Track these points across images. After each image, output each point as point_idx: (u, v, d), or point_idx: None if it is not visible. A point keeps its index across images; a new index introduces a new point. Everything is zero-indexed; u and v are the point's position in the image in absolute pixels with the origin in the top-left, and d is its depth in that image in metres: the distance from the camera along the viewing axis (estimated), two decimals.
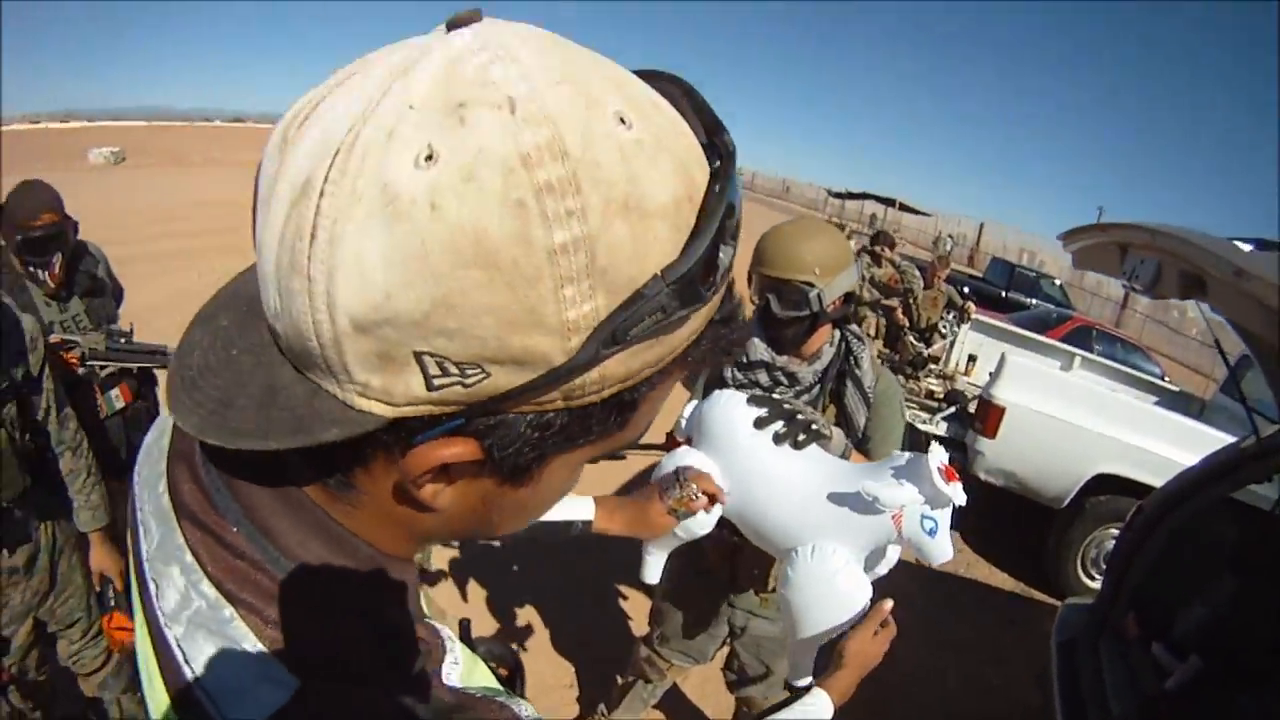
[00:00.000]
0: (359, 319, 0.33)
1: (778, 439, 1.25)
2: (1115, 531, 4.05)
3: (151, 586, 0.45)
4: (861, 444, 1.71)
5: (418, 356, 0.34)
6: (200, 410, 0.39)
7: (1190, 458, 2.85)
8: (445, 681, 0.47)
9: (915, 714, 3.29)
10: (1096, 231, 2.39)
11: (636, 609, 3.38)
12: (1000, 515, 4.91)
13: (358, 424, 0.37)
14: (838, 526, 1.18)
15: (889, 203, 23.36)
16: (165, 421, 0.53)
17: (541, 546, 3.48)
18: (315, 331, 0.34)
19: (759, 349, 1.74)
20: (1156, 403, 5.57)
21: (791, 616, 1.22)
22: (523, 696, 0.55)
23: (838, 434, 1.47)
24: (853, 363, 1.75)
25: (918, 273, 6.30)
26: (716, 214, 0.36)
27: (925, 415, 4.77)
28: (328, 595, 0.44)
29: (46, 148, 21.56)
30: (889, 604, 1.15)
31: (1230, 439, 2.80)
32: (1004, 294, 12.10)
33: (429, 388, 0.35)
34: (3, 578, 1.84)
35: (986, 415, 4.20)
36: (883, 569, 1.29)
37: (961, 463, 4.42)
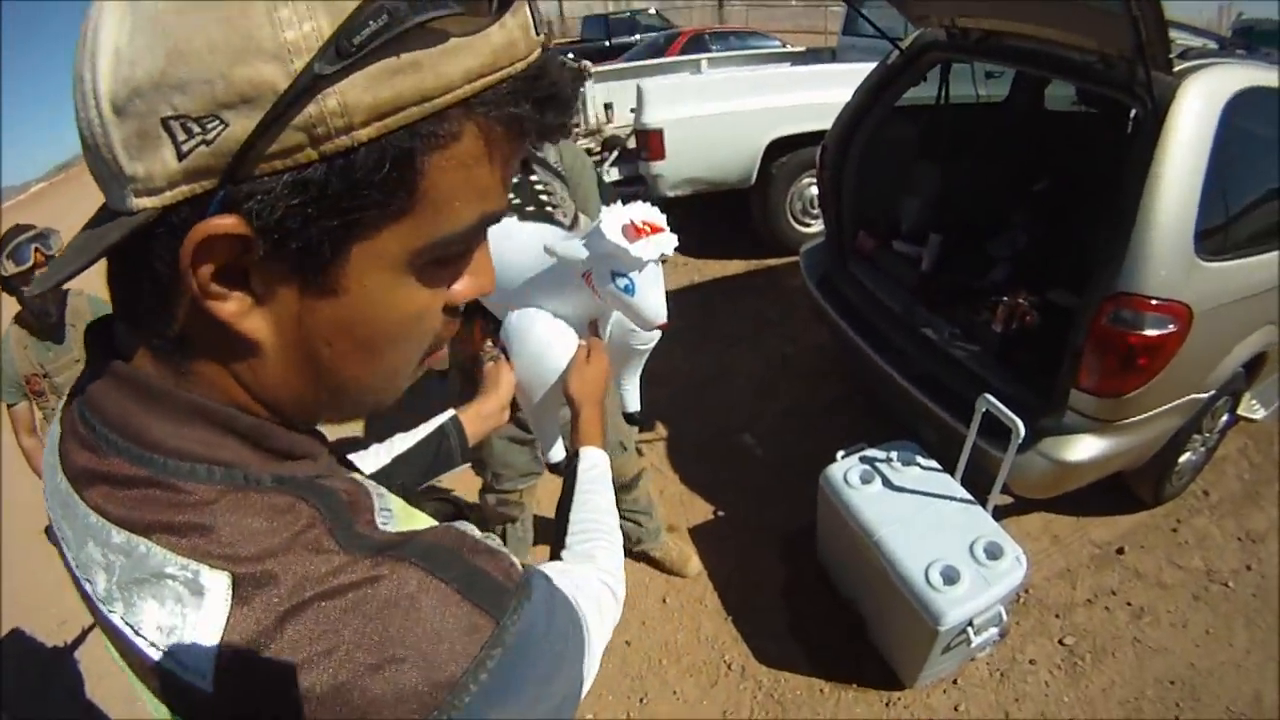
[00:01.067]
0: (116, 99, 0.35)
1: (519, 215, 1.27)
2: (808, 181, 4.53)
3: (87, 587, 0.45)
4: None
5: (165, 124, 0.35)
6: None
7: (843, 95, 3.06)
8: (381, 528, 0.46)
9: (735, 399, 3.55)
10: None
11: None
12: (704, 219, 5.25)
13: (130, 223, 0.37)
14: (540, 293, 1.17)
15: None
16: (54, 426, 0.51)
17: None
18: (91, 131, 0.36)
19: None
20: (792, 64, 6.09)
21: (519, 391, 1.20)
22: None
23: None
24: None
25: None
26: None
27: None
28: (226, 474, 0.43)
29: None
30: (588, 340, 1.15)
31: (869, 67, 3.01)
32: (608, 44, 12.24)
33: (179, 156, 0.35)
34: None
35: (648, 142, 4.38)
36: (636, 344, 1.28)
37: (645, 193, 4.64)
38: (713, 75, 5.05)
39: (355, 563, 0.42)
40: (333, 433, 0.57)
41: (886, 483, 2.04)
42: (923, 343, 2.50)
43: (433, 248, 0.43)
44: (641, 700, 2.35)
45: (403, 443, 1.10)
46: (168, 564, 0.41)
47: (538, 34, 0.42)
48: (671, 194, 4.57)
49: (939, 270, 2.87)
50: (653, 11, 14.57)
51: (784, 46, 7.94)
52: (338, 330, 0.43)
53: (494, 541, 0.50)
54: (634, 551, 2.76)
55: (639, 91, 4.37)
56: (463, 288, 0.49)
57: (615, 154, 4.90)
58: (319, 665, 0.38)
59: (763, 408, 3.50)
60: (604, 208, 1.04)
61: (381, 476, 0.96)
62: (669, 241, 1.02)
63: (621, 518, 2.45)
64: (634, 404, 1.45)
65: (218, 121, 0.34)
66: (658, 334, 1.23)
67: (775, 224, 4.80)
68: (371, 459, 1.07)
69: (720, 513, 2.98)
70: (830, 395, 3.45)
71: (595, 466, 0.98)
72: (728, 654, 2.43)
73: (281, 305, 0.41)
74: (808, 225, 4.90)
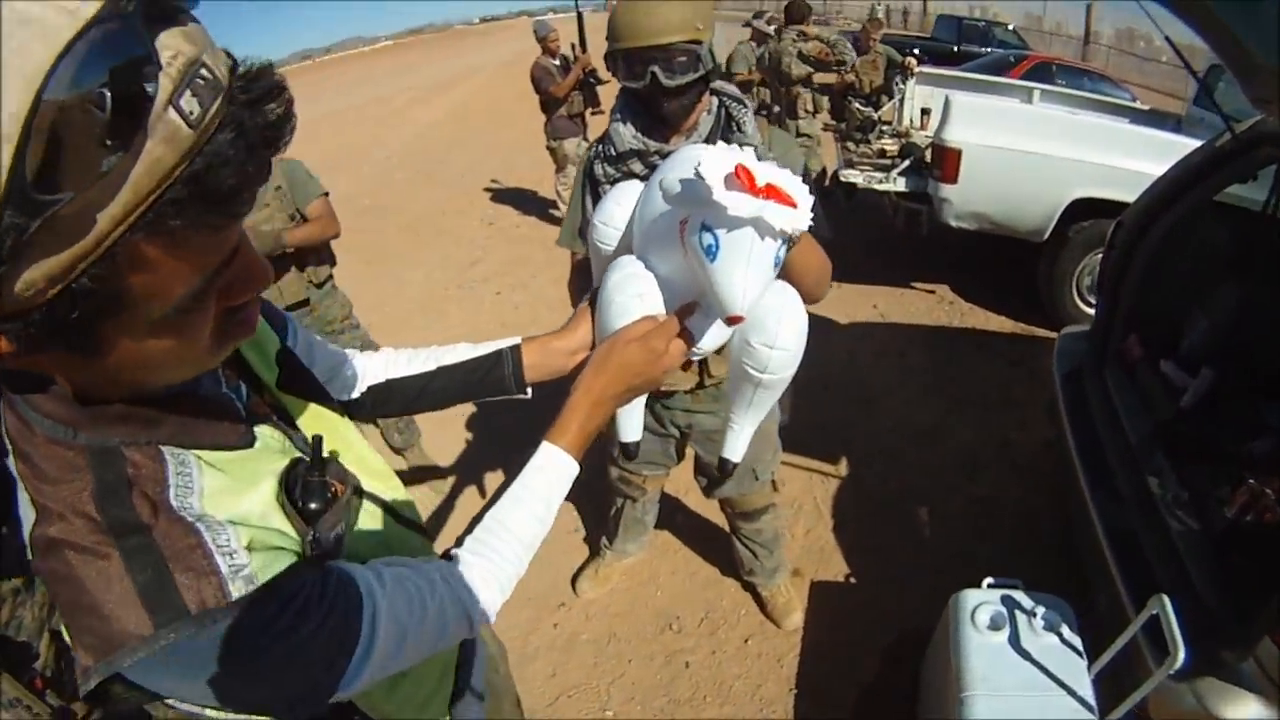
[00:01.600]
0: None
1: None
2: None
3: None
4: None
5: None
6: None
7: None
8: (171, 502, 0.60)
9: (935, 466, 3.18)
10: None
11: None
12: (985, 260, 4.71)
13: None
14: (645, 238, 0.99)
15: None
16: None
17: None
18: None
19: (624, 137, 1.56)
20: (1130, 122, 5.22)
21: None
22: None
23: None
24: (735, 128, 1.58)
25: (849, 43, 5.98)
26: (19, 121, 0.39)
27: (880, 175, 4.53)
28: (52, 427, 0.60)
29: None
30: (670, 320, 0.93)
31: None
32: (955, 49, 11.51)
33: None
34: (8, 601, 1.82)
35: (943, 160, 3.97)
36: (750, 365, 1.00)
37: (928, 215, 4.29)
38: (1037, 109, 4.45)
39: (93, 530, 0.57)
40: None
41: (1014, 639, 1.69)
42: (1142, 493, 2.02)
43: (166, 315, 0.53)
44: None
45: (454, 355, 1.06)
46: (28, 510, 0.60)
47: (201, 122, 0.46)
48: (955, 224, 4.15)
49: (1198, 413, 2.30)
50: (1011, 28, 13.37)
51: (1133, 101, 6.82)
52: (115, 369, 0.56)
53: (228, 563, 0.60)
54: (743, 579, 2.62)
55: (946, 103, 3.98)
56: (235, 294, 0.59)
57: (907, 163, 4.55)
58: (52, 590, 0.59)
59: (958, 487, 3.07)
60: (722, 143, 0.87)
61: (422, 379, 1.05)
62: (787, 216, 0.76)
63: (740, 543, 2.33)
64: (634, 433, 1.12)
65: None
66: (782, 370, 0.99)
67: (1058, 293, 4.14)
68: (419, 362, 1.06)
69: (853, 580, 2.71)
70: (1033, 503, 2.95)
71: (542, 471, 0.87)
72: None
73: (60, 361, 0.53)
74: (1091, 306, 4.20)
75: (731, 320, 0.82)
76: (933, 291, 4.69)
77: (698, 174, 0.76)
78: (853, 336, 4.29)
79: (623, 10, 1.51)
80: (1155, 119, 5.54)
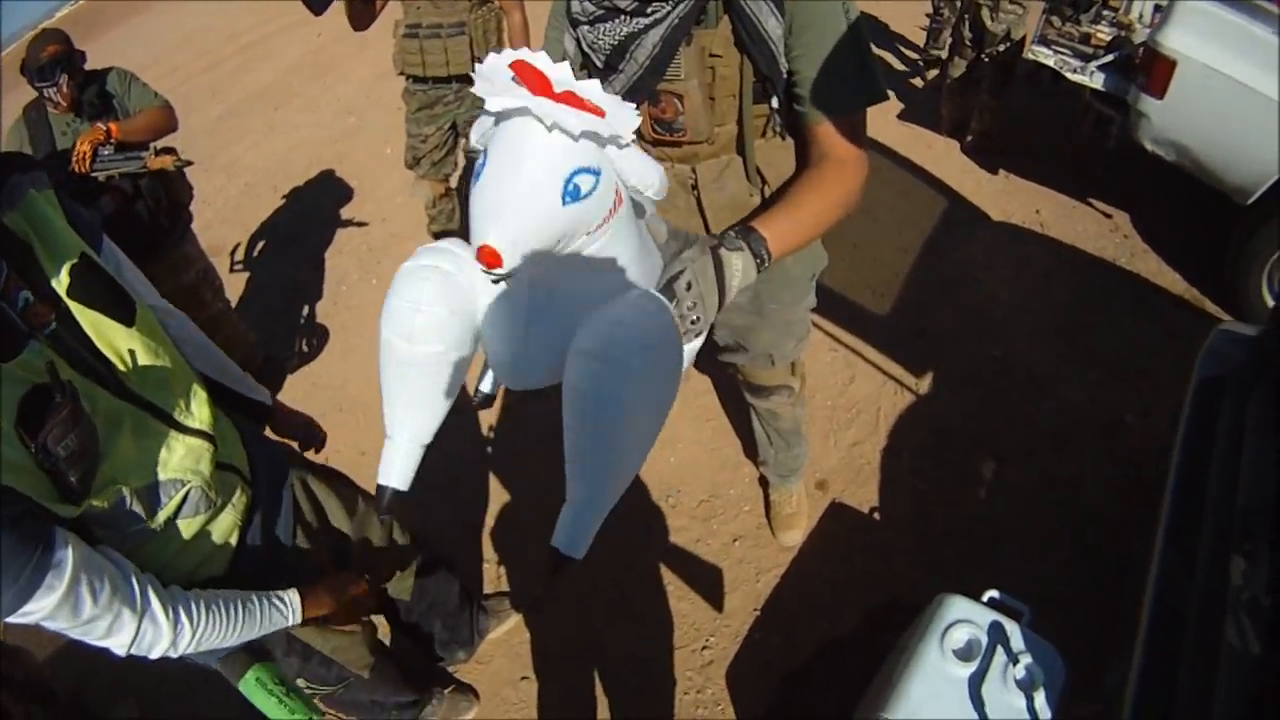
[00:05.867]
0: None
1: None
2: None
3: None
4: (795, 77, 1.15)
5: None
6: None
7: None
8: None
9: (1026, 421, 2.66)
10: None
11: None
12: (1179, 202, 3.80)
13: None
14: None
15: None
16: None
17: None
18: None
19: None
20: None
21: None
22: None
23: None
24: None
25: None
26: None
27: (1077, 63, 3.61)
28: None
29: None
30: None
31: None
32: None
33: None
34: None
35: (1152, 67, 3.08)
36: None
37: (1118, 123, 3.42)
38: None
39: None
40: None
41: (976, 680, 1.37)
42: (1217, 572, 1.49)
43: None
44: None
45: (230, 374, 1.44)
46: None
47: None
48: (1150, 148, 3.29)
49: None
50: None
51: None
52: None
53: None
54: (758, 469, 2.34)
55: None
56: None
57: (1111, 57, 3.60)
58: None
59: (1039, 457, 2.53)
60: None
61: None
62: (574, 117, 0.59)
63: (757, 422, 2.06)
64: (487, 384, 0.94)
65: None
66: (594, 407, 0.68)
67: (1244, 273, 3.20)
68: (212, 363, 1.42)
69: (877, 516, 2.33)
70: (1110, 511, 2.36)
71: (274, 607, 1.12)
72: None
73: None
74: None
75: (483, 256, 0.58)
76: (1110, 216, 3.85)
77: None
78: (998, 238, 3.62)
79: None
80: None
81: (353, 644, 1.40)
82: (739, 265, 0.91)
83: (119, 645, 0.90)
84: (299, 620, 1.15)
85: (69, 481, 0.82)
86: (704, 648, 2.04)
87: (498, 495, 2.52)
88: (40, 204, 0.93)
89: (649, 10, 1.10)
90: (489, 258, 0.58)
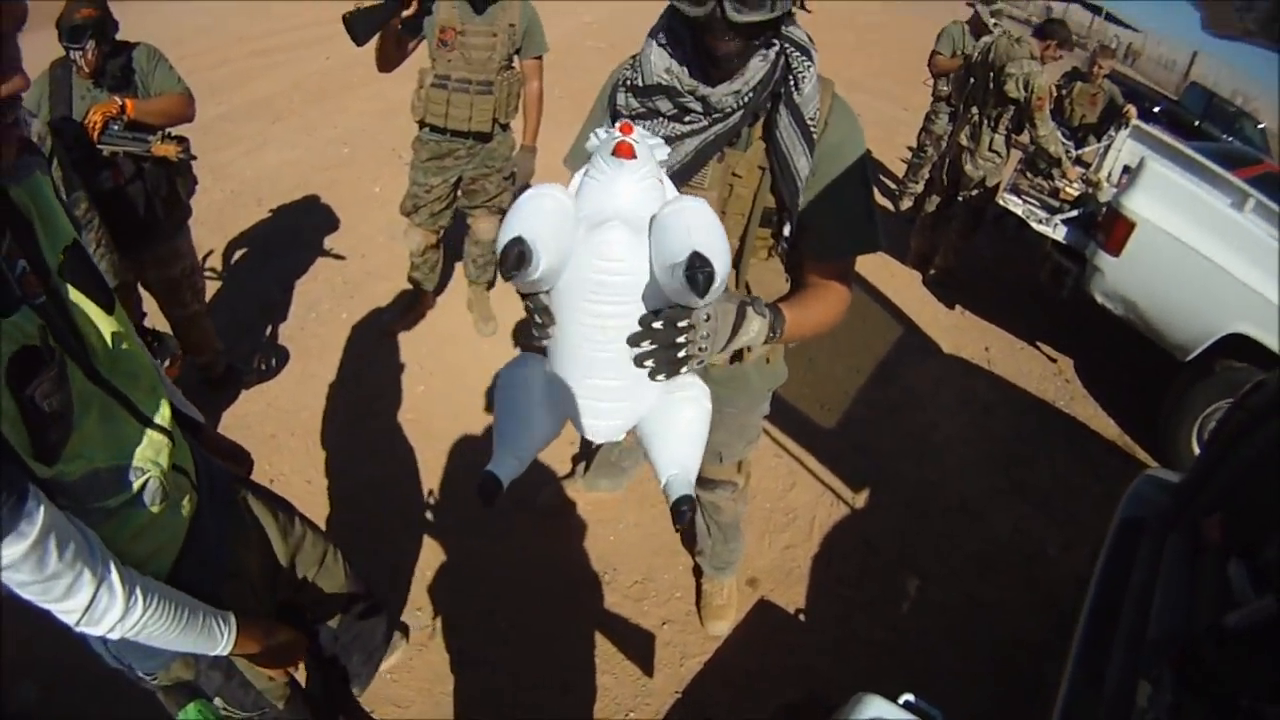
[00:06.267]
0: None
1: None
2: None
3: None
4: (808, 214, 1.30)
5: None
6: None
7: None
8: None
9: (954, 544, 2.80)
10: None
11: None
12: (1121, 354, 4.09)
13: None
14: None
15: (1095, 9, 19.64)
16: None
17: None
18: None
19: (657, 68, 1.22)
20: None
21: None
22: None
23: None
24: (791, 84, 1.22)
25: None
26: None
27: (1044, 214, 3.92)
28: None
29: None
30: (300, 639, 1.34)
31: None
32: (1197, 123, 10.14)
33: None
34: None
35: (1112, 226, 3.37)
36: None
37: (1074, 277, 3.71)
38: (1242, 219, 3.58)
39: None
40: None
41: None
42: (1124, 698, 1.61)
43: None
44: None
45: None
46: None
47: None
48: (1100, 300, 3.59)
49: (1237, 640, 1.78)
50: (1260, 128, 11.42)
51: None
52: None
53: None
54: (694, 559, 2.41)
55: (1140, 164, 3.37)
56: None
57: (1075, 213, 3.91)
58: None
59: (965, 580, 2.66)
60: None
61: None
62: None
63: (699, 512, 2.13)
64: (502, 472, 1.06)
65: None
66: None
67: (1176, 425, 3.46)
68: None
69: (803, 618, 2.40)
70: (1032, 635, 2.48)
71: (216, 626, 1.11)
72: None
73: None
74: None
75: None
76: (1054, 360, 4.12)
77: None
78: (947, 370, 3.84)
79: None
80: None
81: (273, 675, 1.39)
82: (755, 328, 1.07)
83: (75, 608, 0.90)
84: (228, 650, 1.14)
85: (48, 439, 0.85)
86: None
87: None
88: (44, 185, 0.97)
89: (686, 119, 1.22)
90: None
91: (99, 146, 2.29)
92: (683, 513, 0.96)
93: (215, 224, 4.33)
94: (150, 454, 1.04)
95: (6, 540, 0.80)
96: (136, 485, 1.02)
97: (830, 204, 1.28)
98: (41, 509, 0.83)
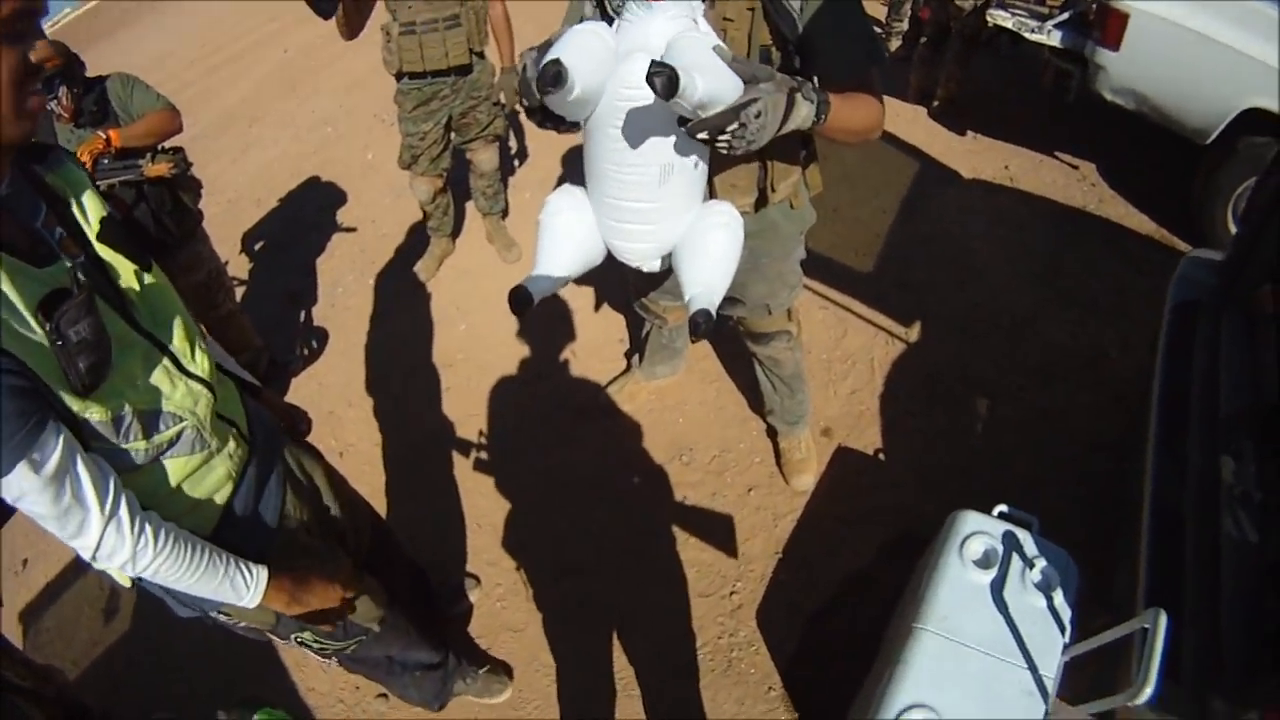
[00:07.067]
0: None
1: None
2: None
3: None
4: (811, 40, 1.30)
5: None
6: None
7: None
8: None
9: (1012, 360, 2.77)
10: None
11: None
12: (1141, 148, 3.94)
13: None
14: None
15: None
16: None
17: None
18: None
19: None
20: None
21: None
22: None
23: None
24: None
25: None
26: None
27: (1035, 23, 3.74)
28: None
29: None
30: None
31: None
32: None
33: None
34: None
35: (1106, 20, 3.20)
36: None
37: (1077, 78, 3.54)
38: None
39: None
40: None
41: (998, 585, 1.44)
42: (1209, 475, 1.61)
43: None
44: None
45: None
46: None
47: None
48: (1110, 98, 3.41)
49: None
50: None
51: None
52: None
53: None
54: (766, 422, 2.43)
55: None
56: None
57: (1066, 15, 3.73)
58: None
59: (1028, 392, 2.65)
60: None
61: None
62: None
63: (761, 373, 2.18)
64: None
65: None
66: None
67: (1210, 209, 3.32)
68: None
69: (882, 457, 2.43)
70: (1100, 435, 2.48)
71: (239, 573, 1.09)
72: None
73: None
74: None
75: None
76: (1076, 167, 3.98)
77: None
78: (971, 195, 3.73)
79: None
80: None
81: (359, 600, 1.38)
82: (804, 113, 1.11)
83: (85, 548, 0.93)
84: (254, 602, 1.11)
85: (78, 367, 0.88)
86: (732, 593, 2.13)
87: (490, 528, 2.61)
88: (75, 170, 1.06)
89: None
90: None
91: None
92: (698, 324, 1.04)
93: (221, 236, 4.34)
94: (188, 403, 1.06)
95: (20, 467, 0.83)
96: (172, 432, 1.03)
97: (831, 23, 1.30)
98: (60, 441, 0.86)
